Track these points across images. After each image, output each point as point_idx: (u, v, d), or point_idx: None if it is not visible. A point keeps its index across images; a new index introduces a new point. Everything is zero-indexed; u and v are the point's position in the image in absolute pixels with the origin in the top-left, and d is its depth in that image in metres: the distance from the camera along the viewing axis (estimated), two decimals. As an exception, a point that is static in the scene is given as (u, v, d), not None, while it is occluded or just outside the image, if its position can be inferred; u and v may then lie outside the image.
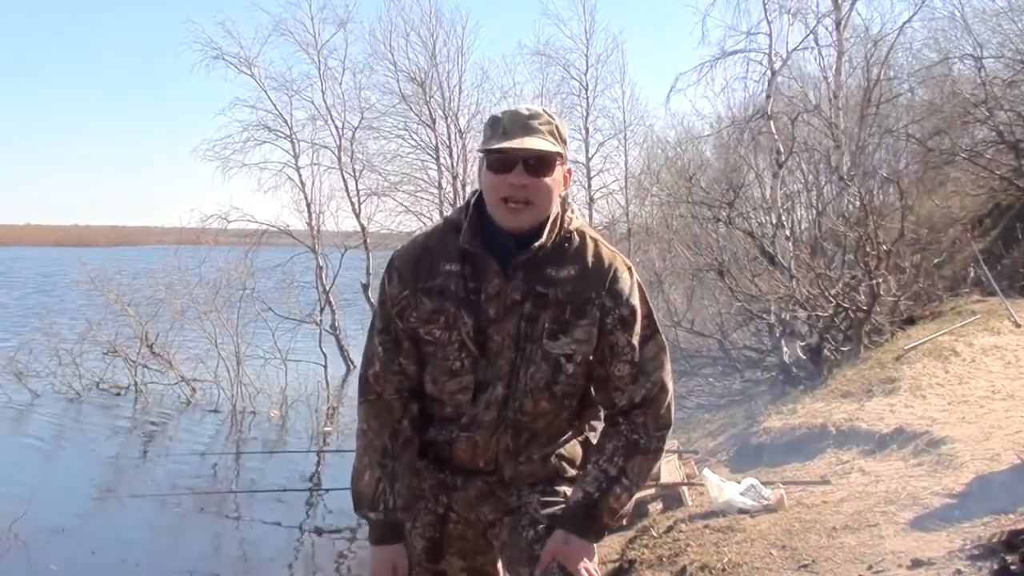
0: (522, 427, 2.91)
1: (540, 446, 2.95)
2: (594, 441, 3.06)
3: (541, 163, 2.79)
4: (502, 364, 2.87)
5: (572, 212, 2.95)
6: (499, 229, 2.86)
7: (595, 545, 2.89)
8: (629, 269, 2.93)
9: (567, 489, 2.97)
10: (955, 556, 5.02)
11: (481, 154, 2.90)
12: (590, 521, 2.86)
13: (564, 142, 2.87)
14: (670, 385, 2.98)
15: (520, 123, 2.80)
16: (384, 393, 2.99)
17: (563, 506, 2.91)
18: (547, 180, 2.81)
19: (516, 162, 2.78)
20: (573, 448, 3.02)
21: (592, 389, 2.99)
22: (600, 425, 3.07)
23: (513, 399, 2.88)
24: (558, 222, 2.89)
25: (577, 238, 2.91)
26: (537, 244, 2.82)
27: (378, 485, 2.97)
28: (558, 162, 2.84)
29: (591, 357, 2.89)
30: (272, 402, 17.71)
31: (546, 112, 2.88)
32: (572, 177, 3.02)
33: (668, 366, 2.98)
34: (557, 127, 2.85)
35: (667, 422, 2.96)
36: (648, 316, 2.93)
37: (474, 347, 2.88)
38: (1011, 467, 6.33)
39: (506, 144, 2.77)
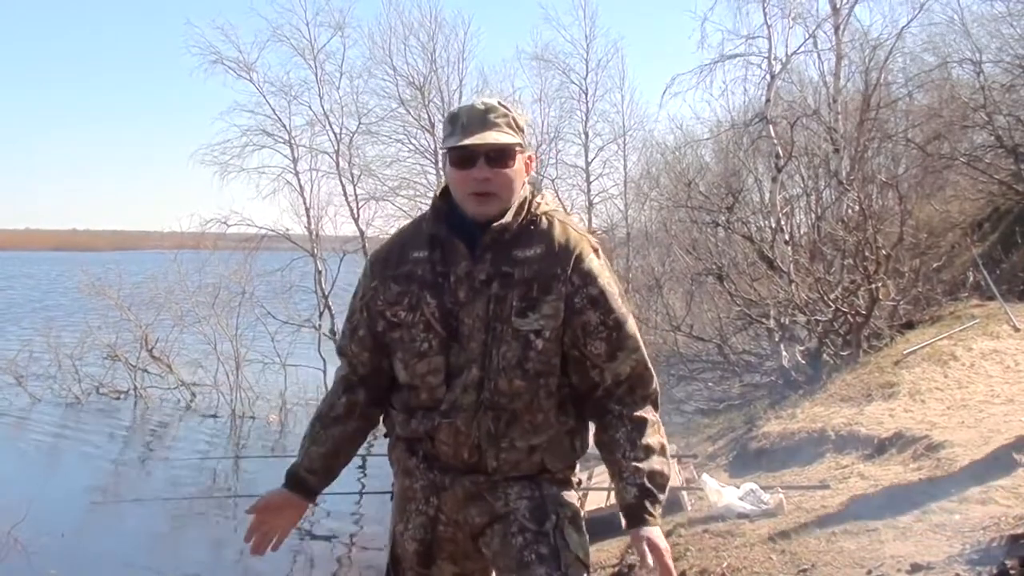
0: (501, 409, 2.91)
1: (523, 432, 2.94)
2: (586, 438, 3.10)
3: (501, 155, 2.90)
4: (474, 347, 2.90)
5: (542, 197, 3.04)
6: (465, 218, 2.96)
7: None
8: (596, 250, 2.99)
9: (555, 493, 2.99)
10: (954, 560, 5.03)
11: (444, 151, 2.98)
12: (653, 506, 2.87)
13: (522, 131, 2.98)
14: (651, 366, 3.03)
15: (478, 118, 2.90)
16: (340, 371, 3.20)
17: (623, 506, 2.91)
18: (508, 171, 2.91)
19: (478, 157, 2.88)
20: (560, 445, 3.01)
21: (572, 378, 2.98)
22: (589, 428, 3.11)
23: (488, 379, 2.90)
24: (525, 205, 2.97)
25: (545, 221, 2.98)
26: (499, 223, 2.90)
27: (303, 441, 3.18)
28: (518, 152, 2.94)
29: (565, 339, 2.92)
30: (271, 406, 17.74)
31: (502, 104, 2.97)
32: (533, 164, 3.15)
33: (643, 348, 3.03)
34: (514, 118, 2.95)
35: (656, 400, 3.01)
36: (621, 296, 2.97)
37: (441, 328, 2.93)
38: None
39: (466, 141, 2.87)
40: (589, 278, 2.91)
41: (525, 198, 2.98)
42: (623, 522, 2.94)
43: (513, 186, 2.93)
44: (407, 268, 3.00)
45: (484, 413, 2.91)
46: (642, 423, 2.93)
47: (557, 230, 2.97)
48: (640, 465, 2.88)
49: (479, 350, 2.90)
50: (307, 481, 3.13)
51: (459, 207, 2.97)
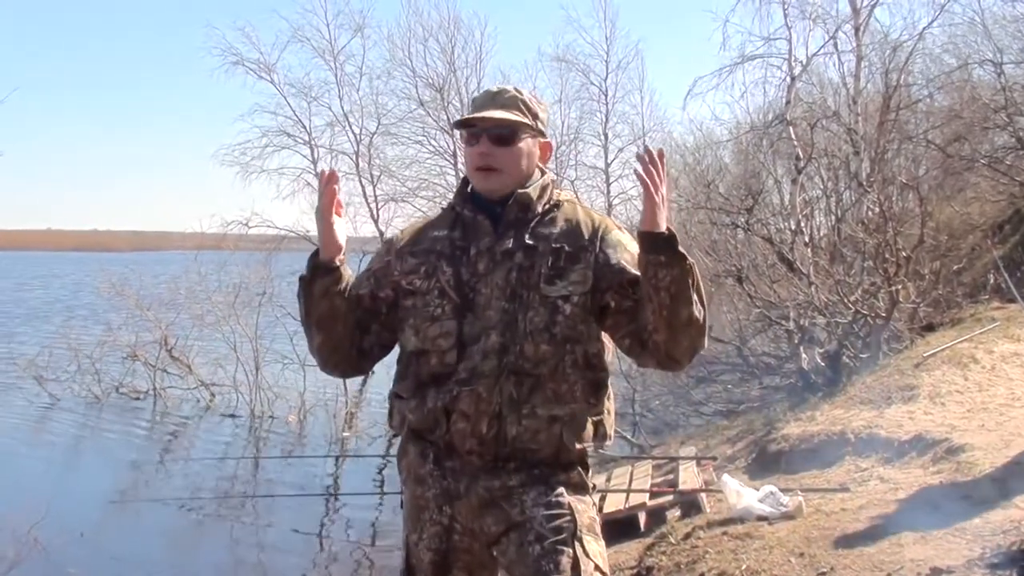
0: (524, 374, 2.93)
1: (545, 400, 2.95)
2: (608, 427, 3.09)
3: (503, 134, 3.01)
4: (491, 315, 2.95)
5: (560, 187, 3.16)
6: (487, 199, 3.06)
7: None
8: (620, 228, 3.08)
9: (572, 500, 2.96)
10: (974, 564, 5.01)
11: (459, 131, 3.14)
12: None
13: (534, 116, 3.07)
14: None
15: (488, 99, 3.07)
16: None
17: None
18: (511, 149, 3.03)
19: (481, 134, 3.01)
20: (582, 423, 3.01)
21: (628, 328, 2.95)
22: (613, 408, 3.14)
23: (513, 344, 2.93)
24: (548, 190, 3.09)
25: (568, 207, 3.09)
26: (522, 192, 3.02)
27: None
28: (526, 134, 3.05)
29: (612, 303, 2.94)
30: (290, 407, 17.75)
31: (516, 89, 3.12)
32: (551, 152, 3.22)
33: None
34: (525, 102, 3.07)
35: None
36: None
37: (455, 295, 2.98)
38: (1031, 475, 6.30)
39: (469, 115, 3.03)
40: (620, 246, 2.99)
41: (549, 183, 3.09)
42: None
43: (516, 165, 3.04)
44: (426, 244, 3.09)
45: (507, 378, 2.93)
46: None
47: (581, 212, 3.08)
48: None
49: (497, 317, 2.94)
50: (344, 271, 3.11)
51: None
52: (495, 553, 3.02)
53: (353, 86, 24.61)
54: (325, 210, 3.01)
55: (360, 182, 24.17)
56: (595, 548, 2.95)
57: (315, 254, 3.06)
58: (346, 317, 3.07)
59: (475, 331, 2.94)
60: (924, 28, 18.09)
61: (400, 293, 3.08)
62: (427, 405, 3.00)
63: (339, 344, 3.13)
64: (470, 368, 2.93)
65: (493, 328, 2.93)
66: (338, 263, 3.05)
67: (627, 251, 2.95)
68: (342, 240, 3.06)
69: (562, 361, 2.95)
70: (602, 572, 2.94)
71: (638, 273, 2.85)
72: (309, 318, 3.11)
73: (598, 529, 3.03)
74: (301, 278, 3.08)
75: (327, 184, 2.99)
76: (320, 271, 3.04)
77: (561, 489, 2.98)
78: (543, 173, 3.11)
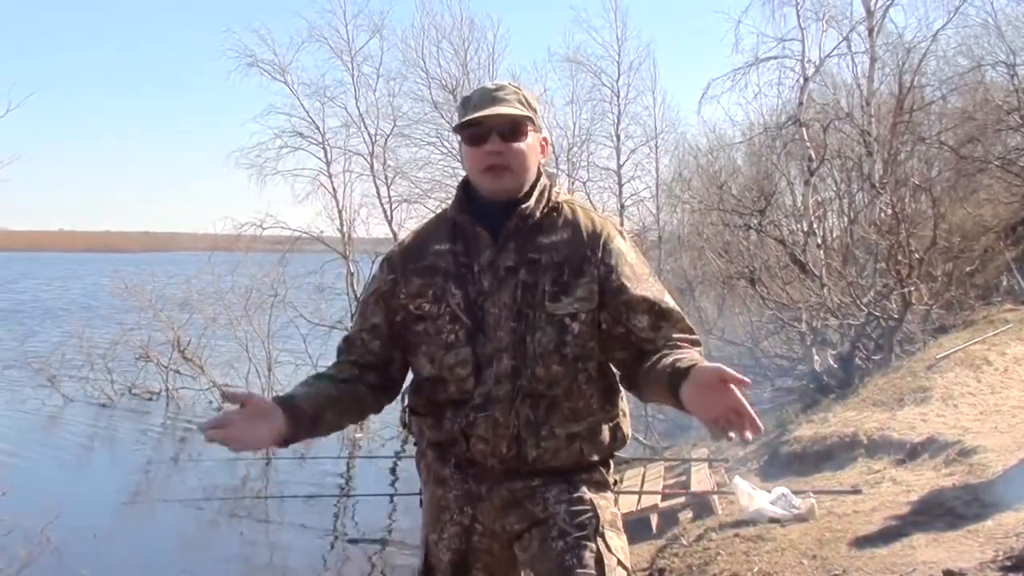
0: (539, 396, 2.88)
1: (563, 420, 2.90)
2: (625, 429, 3.06)
3: (513, 129, 2.90)
4: (502, 336, 2.87)
5: (558, 187, 3.04)
6: (486, 206, 2.95)
7: None
8: (621, 233, 2.99)
9: (594, 496, 2.95)
10: (987, 567, 5.00)
11: (459, 134, 2.98)
12: None
13: (534, 110, 2.97)
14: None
15: (488, 96, 2.92)
16: (349, 357, 3.03)
17: (685, 363, 2.62)
18: (521, 145, 2.91)
19: (490, 132, 2.88)
20: (601, 434, 2.98)
21: (618, 354, 2.92)
22: (627, 407, 3.10)
23: (525, 367, 2.86)
24: (546, 193, 2.97)
25: (567, 208, 2.98)
26: (524, 207, 2.91)
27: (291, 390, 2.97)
28: (530, 128, 2.94)
29: (605, 319, 2.88)
30: (303, 408, 17.73)
31: (512, 84, 3.01)
32: (549, 148, 3.13)
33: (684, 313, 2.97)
34: (525, 96, 2.96)
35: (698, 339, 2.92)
36: (652, 274, 2.97)
37: (466, 318, 2.90)
38: (1044, 477, 6.28)
39: (476, 114, 2.88)
40: (622, 257, 2.90)
41: (546, 185, 2.99)
42: (675, 375, 2.61)
43: (527, 161, 2.93)
44: (429, 261, 2.97)
45: (522, 402, 2.87)
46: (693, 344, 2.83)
47: (581, 216, 2.97)
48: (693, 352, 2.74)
49: (508, 339, 2.87)
50: (298, 408, 2.84)
51: (480, 197, 2.97)
52: (516, 549, 2.99)
53: (370, 87, 24.58)
54: (236, 438, 2.75)
55: (375, 183, 24.13)
56: (618, 543, 2.94)
57: (278, 443, 2.87)
58: (339, 401, 2.96)
59: (488, 352, 2.88)
60: (938, 30, 18.07)
61: (410, 318, 2.98)
62: (444, 427, 2.97)
63: (358, 409, 3.07)
64: (484, 393, 2.88)
65: (504, 350, 2.87)
66: (288, 427, 2.82)
67: (627, 263, 2.88)
68: (272, 424, 2.79)
69: (575, 380, 2.90)
70: (624, 567, 2.93)
71: (633, 294, 2.84)
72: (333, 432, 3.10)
73: (620, 524, 3.02)
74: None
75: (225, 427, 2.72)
76: (291, 439, 2.89)
77: (583, 486, 2.95)
78: (539, 174, 3.02)
